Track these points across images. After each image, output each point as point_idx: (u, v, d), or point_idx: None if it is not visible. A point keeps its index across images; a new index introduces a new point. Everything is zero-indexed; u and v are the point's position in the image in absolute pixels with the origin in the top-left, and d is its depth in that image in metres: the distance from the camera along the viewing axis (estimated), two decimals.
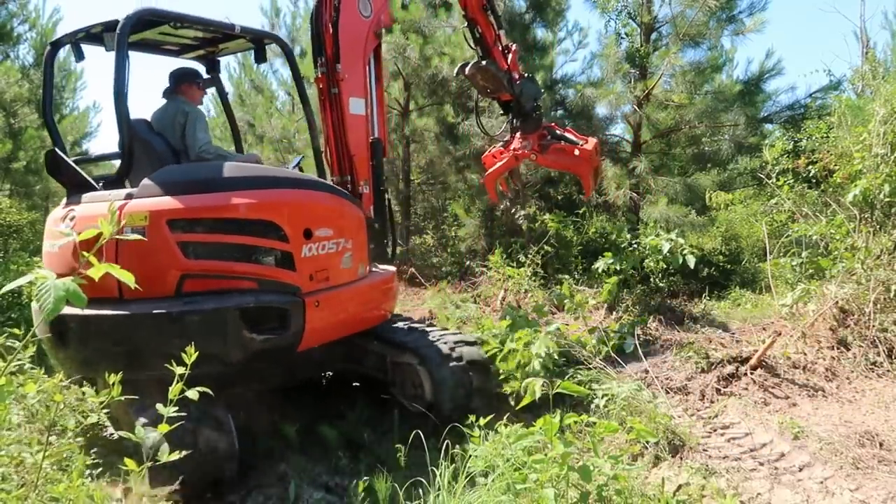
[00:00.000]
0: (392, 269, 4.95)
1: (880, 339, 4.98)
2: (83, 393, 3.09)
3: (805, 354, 5.08)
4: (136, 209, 3.45)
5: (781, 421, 4.03)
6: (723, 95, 8.50)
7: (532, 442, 2.98)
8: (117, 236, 1.93)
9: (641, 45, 8.86)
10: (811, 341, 5.24)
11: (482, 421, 3.40)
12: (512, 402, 4.21)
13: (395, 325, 4.71)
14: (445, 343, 4.34)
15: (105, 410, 2.95)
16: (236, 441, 3.50)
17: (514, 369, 4.40)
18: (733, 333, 5.94)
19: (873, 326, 5.06)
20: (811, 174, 8.55)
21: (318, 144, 4.73)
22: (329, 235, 4.01)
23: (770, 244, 6.77)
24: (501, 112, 6.53)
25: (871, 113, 5.78)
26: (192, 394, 2.35)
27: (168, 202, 3.50)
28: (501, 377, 4.50)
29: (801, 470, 3.46)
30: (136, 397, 2.70)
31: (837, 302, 5.28)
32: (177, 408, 2.34)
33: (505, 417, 4.23)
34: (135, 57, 3.96)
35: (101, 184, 3.99)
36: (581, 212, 9.61)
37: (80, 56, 4.21)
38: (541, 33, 10.20)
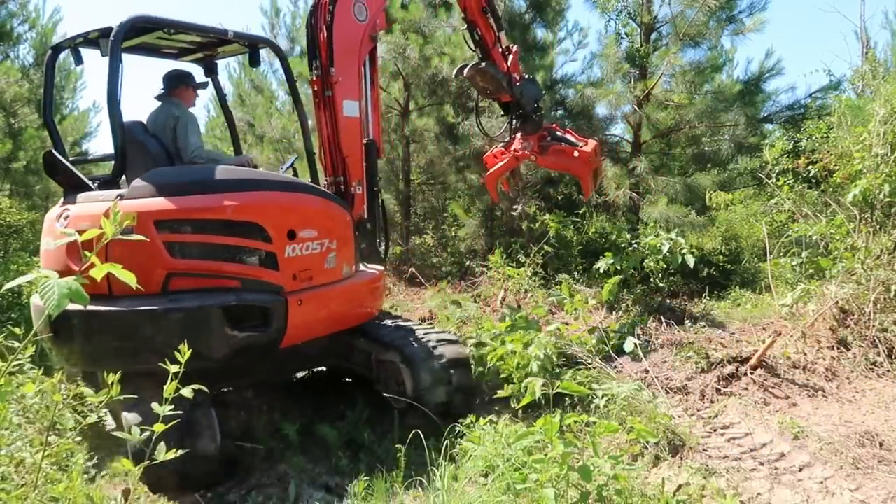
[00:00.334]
0: (380, 268, 5.00)
1: (880, 339, 4.98)
2: (82, 393, 3.10)
3: (805, 354, 5.07)
4: (124, 210, 3.49)
5: (781, 421, 4.03)
6: (723, 95, 8.50)
7: (532, 442, 2.98)
8: (121, 236, 1.96)
9: (641, 45, 8.87)
10: (811, 341, 5.24)
11: (482, 421, 3.39)
12: (513, 404, 4.21)
13: (384, 322, 4.78)
14: (428, 341, 4.41)
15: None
16: (219, 441, 3.53)
17: (514, 370, 4.40)
18: (733, 333, 5.93)
19: (873, 326, 5.06)
20: (811, 174, 8.55)
21: (310, 146, 4.79)
22: (313, 236, 4.09)
23: (770, 244, 6.77)
24: (502, 112, 6.54)
25: (871, 113, 5.78)
26: (187, 392, 2.35)
27: (155, 203, 3.60)
28: (501, 378, 4.51)
29: (801, 470, 3.46)
30: (130, 395, 2.72)
31: (837, 302, 5.28)
32: (172, 406, 2.34)
33: (506, 417, 4.24)
34: (135, 58, 4.00)
35: (96, 184, 4.07)
36: (581, 212, 9.61)
37: (78, 60, 4.33)
38: (541, 33, 10.21)
